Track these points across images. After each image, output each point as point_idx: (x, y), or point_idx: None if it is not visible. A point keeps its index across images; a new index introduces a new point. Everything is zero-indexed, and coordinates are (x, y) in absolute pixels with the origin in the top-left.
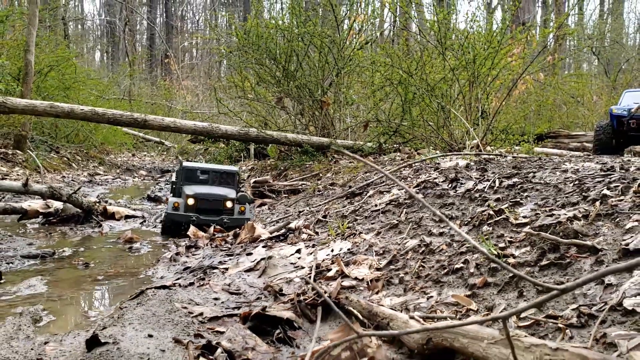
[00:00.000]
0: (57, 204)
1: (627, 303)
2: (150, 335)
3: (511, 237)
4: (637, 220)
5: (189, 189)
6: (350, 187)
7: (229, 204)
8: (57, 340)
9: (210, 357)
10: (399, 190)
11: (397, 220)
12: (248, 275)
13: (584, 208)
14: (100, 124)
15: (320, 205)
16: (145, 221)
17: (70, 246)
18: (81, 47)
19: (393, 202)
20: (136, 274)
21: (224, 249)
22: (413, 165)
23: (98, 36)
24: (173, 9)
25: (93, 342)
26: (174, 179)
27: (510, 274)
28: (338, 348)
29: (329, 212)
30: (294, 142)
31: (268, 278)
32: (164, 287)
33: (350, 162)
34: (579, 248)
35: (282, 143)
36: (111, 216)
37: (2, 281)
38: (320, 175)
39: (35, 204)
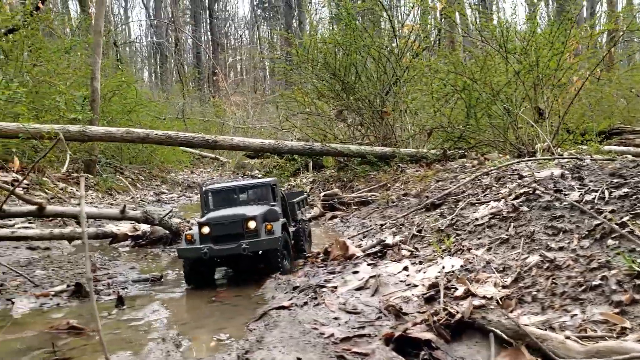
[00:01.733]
0: (145, 227)
1: None
2: (299, 359)
3: None
4: None
5: (205, 217)
6: (427, 197)
7: (252, 225)
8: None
9: None
10: (497, 202)
11: (506, 235)
12: (360, 294)
13: None
14: (172, 146)
15: (398, 217)
16: None
17: (160, 269)
18: (130, 70)
19: (497, 216)
20: (246, 294)
21: (320, 266)
22: (490, 173)
23: (145, 57)
24: (217, 27)
25: None
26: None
27: None
28: None
29: (422, 227)
30: (357, 154)
31: (382, 297)
32: (282, 307)
33: (417, 171)
34: None
35: (345, 155)
36: None
37: (124, 307)
38: (388, 185)
39: (124, 227)
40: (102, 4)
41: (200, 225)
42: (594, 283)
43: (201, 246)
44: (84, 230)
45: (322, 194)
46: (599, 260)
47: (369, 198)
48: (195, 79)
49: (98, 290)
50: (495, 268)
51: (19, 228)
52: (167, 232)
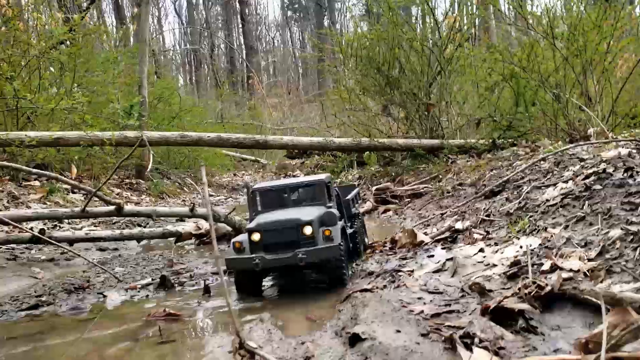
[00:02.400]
0: (207, 225)
1: None
2: (398, 331)
3: None
4: None
5: (254, 220)
6: (484, 185)
7: (307, 230)
8: (310, 341)
9: (464, 343)
10: (565, 183)
11: (582, 213)
12: (439, 276)
13: None
14: (224, 148)
15: (458, 205)
16: None
17: None
18: (169, 77)
19: (569, 196)
20: (321, 280)
21: (390, 253)
22: (547, 158)
23: (179, 64)
24: (249, 30)
25: (355, 339)
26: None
27: None
28: (616, 330)
29: (490, 212)
30: (405, 147)
31: (462, 277)
32: (365, 290)
33: (467, 162)
34: None
35: (393, 149)
36: None
37: (212, 295)
38: (440, 177)
39: (188, 226)
40: (146, 13)
41: (250, 231)
42: None
43: (252, 256)
44: (209, 214)
45: (374, 188)
46: None
47: (422, 190)
48: (231, 83)
49: (182, 281)
50: (576, 243)
51: (90, 230)
52: (230, 229)
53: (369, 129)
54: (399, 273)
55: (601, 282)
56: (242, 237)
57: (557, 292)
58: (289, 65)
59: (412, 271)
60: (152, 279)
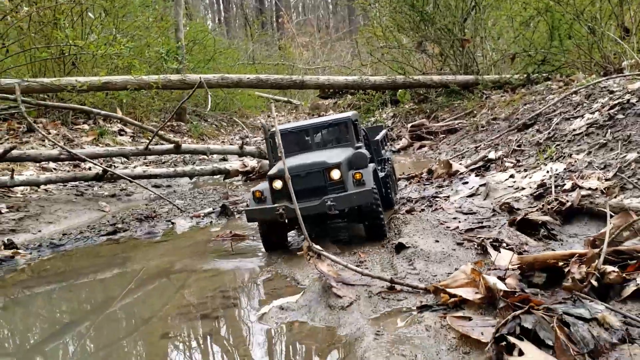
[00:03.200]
0: (252, 163)
1: None
2: (436, 241)
3: None
4: None
5: (275, 166)
6: (517, 119)
7: (335, 174)
8: (361, 251)
9: (493, 246)
10: (591, 114)
11: (604, 140)
12: (472, 200)
13: None
14: (263, 89)
15: (492, 138)
16: None
17: None
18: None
19: (594, 125)
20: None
21: (426, 183)
22: (579, 91)
23: (207, 4)
24: None
25: (400, 247)
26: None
27: None
28: (619, 230)
29: (521, 142)
30: (440, 84)
31: (494, 200)
32: (406, 212)
33: (502, 97)
34: None
35: (428, 86)
36: None
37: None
38: (474, 112)
39: (235, 164)
40: None
41: (271, 178)
42: None
43: (275, 205)
44: (279, 141)
45: (409, 125)
46: None
47: (457, 125)
48: (261, 22)
49: (239, 210)
50: (596, 166)
51: (147, 168)
52: None
53: (403, 66)
54: (436, 199)
55: (615, 197)
56: (263, 185)
57: (576, 207)
58: (318, 3)
59: (448, 197)
60: (213, 209)
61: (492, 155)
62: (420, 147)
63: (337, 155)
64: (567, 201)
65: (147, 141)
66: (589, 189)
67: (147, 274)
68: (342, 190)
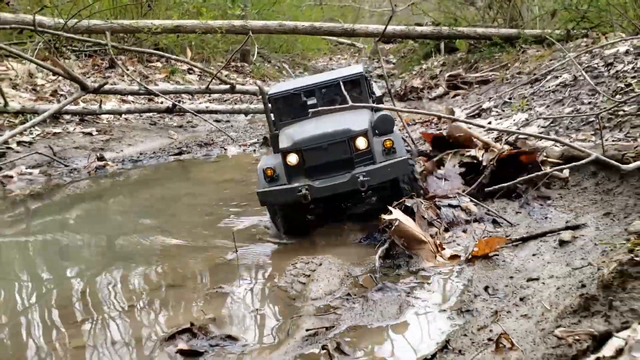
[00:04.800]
0: None
1: None
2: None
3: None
4: None
5: (286, 136)
6: (534, 74)
7: (361, 143)
8: None
9: None
10: (568, 74)
11: (562, 96)
12: None
13: None
14: (317, 35)
15: (508, 91)
16: None
17: None
18: None
19: (561, 84)
20: None
21: (432, 126)
22: (593, 51)
23: None
24: None
25: None
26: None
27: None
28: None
29: (513, 96)
30: (483, 36)
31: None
32: None
33: (537, 51)
34: None
35: (472, 38)
36: None
37: None
38: (509, 65)
39: None
40: None
41: (285, 152)
42: (589, 120)
43: (296, 185)
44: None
45: (447, 74)
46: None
47: (489, 77)
48: None
49: None
50: (545, 118)
51: (208, 105)
52: None
53: (456, 17)
54: None
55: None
56: (272, 161)
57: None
58: None
59: None
60: (257, 140)
61: (485, 105)
62: (455, 95)
63: (358, 119)
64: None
65: (209, 81)
66: (527, 135)
67: (201, 181)
68: (370, 162)
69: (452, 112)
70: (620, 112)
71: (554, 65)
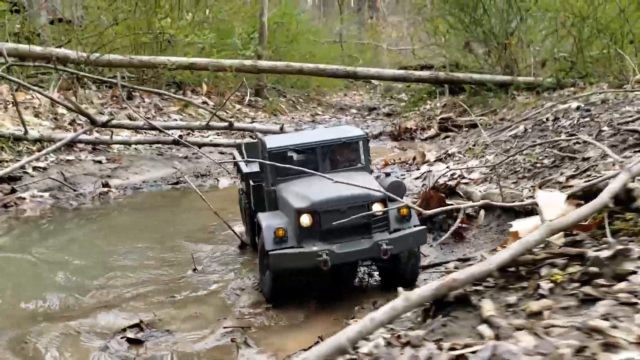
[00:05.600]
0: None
1: None
2: None
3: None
4: None
5: (296, 195)
6: (512, 121)
7: (378, 209)
8: None
9: None
10: (523, 126)
11: (510, 147)
12: (417, 180)
13: None
14: (321, 77)
15: (483, 137)
16: None
17: None
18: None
19: (513, 135)
20: None
21: (406, 167)
22: (568, 102)
23: None
24: None
25: None
26: (244, 169)
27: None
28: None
29: (477, 142)
30: (479, 82)
31: (427, 180)
32: None
33: (526, 98)
34: None
35: (467, 83)
36: None
37: None
38: (497, 110)
39: None
40: None
41: (299, 212)
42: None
43: (314, 250)
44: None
45: (439, 117)
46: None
47: (479, 121)
48: (356, 2)
49: None
50: (489, 165)
51: (214, 138)
52: None
53: (456, 61)
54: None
55: (479, 184)
56: (279, 220)
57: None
58: None
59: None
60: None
61: (451, 150)
62: (445, 137)
63: (369, 184)
64: (452, 184)
65: (208, 119)
66: (470, 179)
67: (189, 208)
68: (386, 228)
69: (424, 155)
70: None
71: (529, 114)
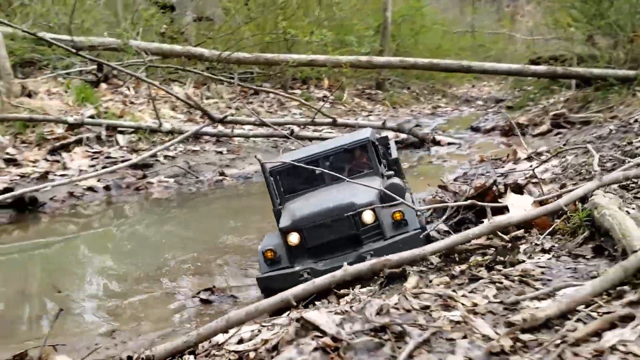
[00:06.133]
0: (402, 135)
1: None
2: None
3: None
4: None
5: (288, 212)
6: (622, 120)
7: (368, 217)
8: None
9: None
10: (612, 126)
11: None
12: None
13: None
14: (435, 71)
15: (591, 133)
16: (460, 146)
17: (407, 162)
18: None
19: (597, 136)
20: None
21: (499, 163)
22: None
23: None
24: None
25: None
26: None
27: None
28: None
29: (568, 141)
30: (600, 76)
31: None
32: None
33: None
34: None
35: (587, 78)
36: (437, 143)
37: None
38: (614, 107)
39: (390, 134)
40: None
41: (285, 231)
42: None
43: (297, 269)
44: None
45: (552, 113)
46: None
47: (593, 119)
48: None
49: None
50: (565, 165)
51: (323, 133)
52: (416, 139)
53: (580, 54)
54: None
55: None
56: (272, 241)
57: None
58: None
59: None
60: None
61: (541, 149)
62: (557, 134)
63: (364, 190)
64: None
65: (313, 115)
66: (541, 179)
67: None
68: (380, 237)
69: (515, 152)
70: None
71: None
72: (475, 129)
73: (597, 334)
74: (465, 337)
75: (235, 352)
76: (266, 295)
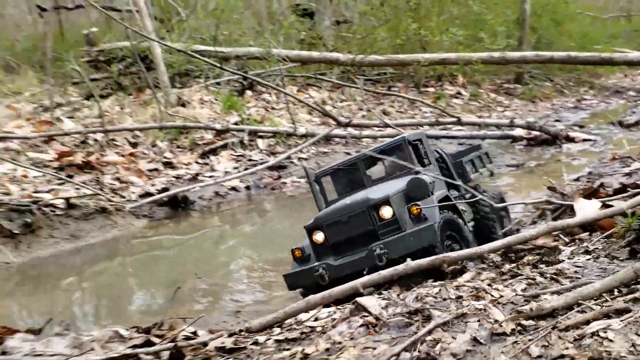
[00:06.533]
0: (535, 133)
1: None
2: None
3: None
4: None
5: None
6: None
7: (386, 212)
8: None
9: None
10: None
11: None
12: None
13: None
14: (572, 64)
15: None
16: (595, 143)
17: (536, 160)
18: None
19: None
20: None
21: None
22: None
23: None
24: None
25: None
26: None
27: None
28: None
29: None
30: None
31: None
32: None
33: None
34: None
35: None
36: (572, 140)
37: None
38: None
39: (521, 131)
40: None
41: (310, 230)
42: None
43: (313, 265)
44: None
45: None
46: None
47: None
48: None
49: None
50: None
51: (450, 132)
52: (548, 135)
53: None
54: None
55: None
56: (304, 243)
57: None
58: None
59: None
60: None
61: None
62: None
63: (387, 187)
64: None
65: (437, 114)
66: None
67: None
68: (399, 231)
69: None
70: None
71: None
72: (618, 124)
73: (588, 322)
74: (479, 321)
75: (310, 327)
76: (292, 289)
